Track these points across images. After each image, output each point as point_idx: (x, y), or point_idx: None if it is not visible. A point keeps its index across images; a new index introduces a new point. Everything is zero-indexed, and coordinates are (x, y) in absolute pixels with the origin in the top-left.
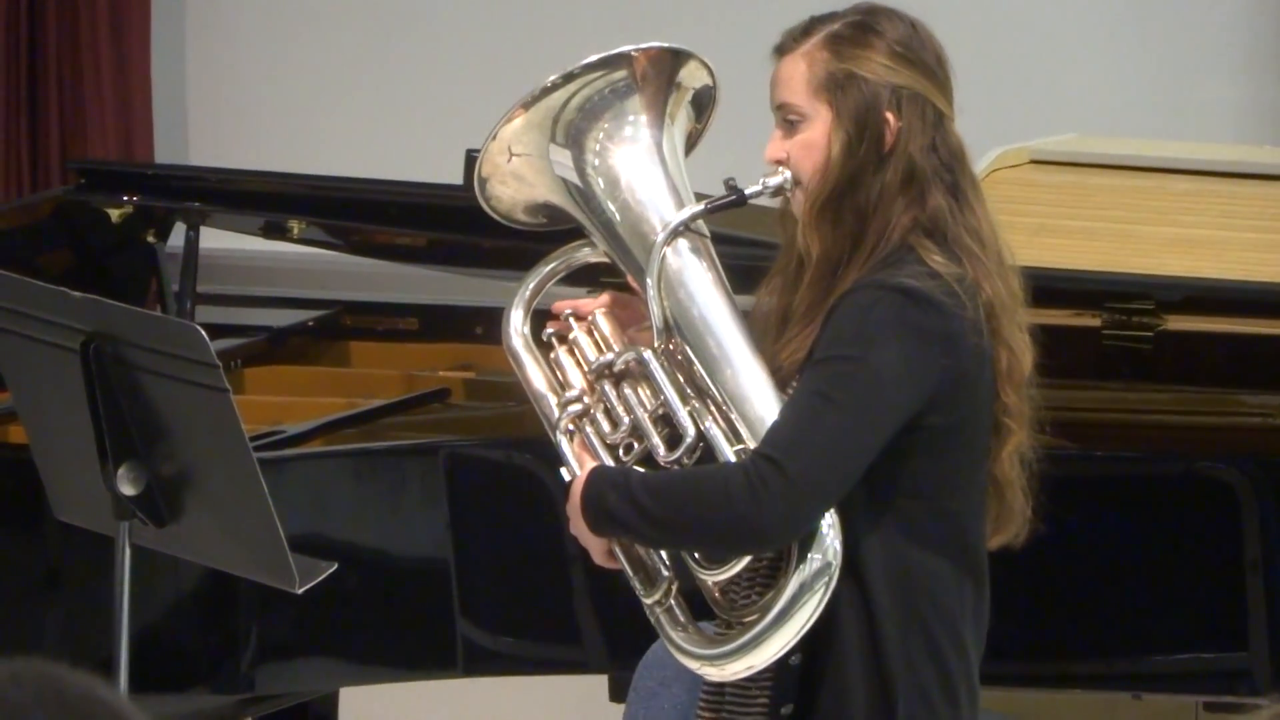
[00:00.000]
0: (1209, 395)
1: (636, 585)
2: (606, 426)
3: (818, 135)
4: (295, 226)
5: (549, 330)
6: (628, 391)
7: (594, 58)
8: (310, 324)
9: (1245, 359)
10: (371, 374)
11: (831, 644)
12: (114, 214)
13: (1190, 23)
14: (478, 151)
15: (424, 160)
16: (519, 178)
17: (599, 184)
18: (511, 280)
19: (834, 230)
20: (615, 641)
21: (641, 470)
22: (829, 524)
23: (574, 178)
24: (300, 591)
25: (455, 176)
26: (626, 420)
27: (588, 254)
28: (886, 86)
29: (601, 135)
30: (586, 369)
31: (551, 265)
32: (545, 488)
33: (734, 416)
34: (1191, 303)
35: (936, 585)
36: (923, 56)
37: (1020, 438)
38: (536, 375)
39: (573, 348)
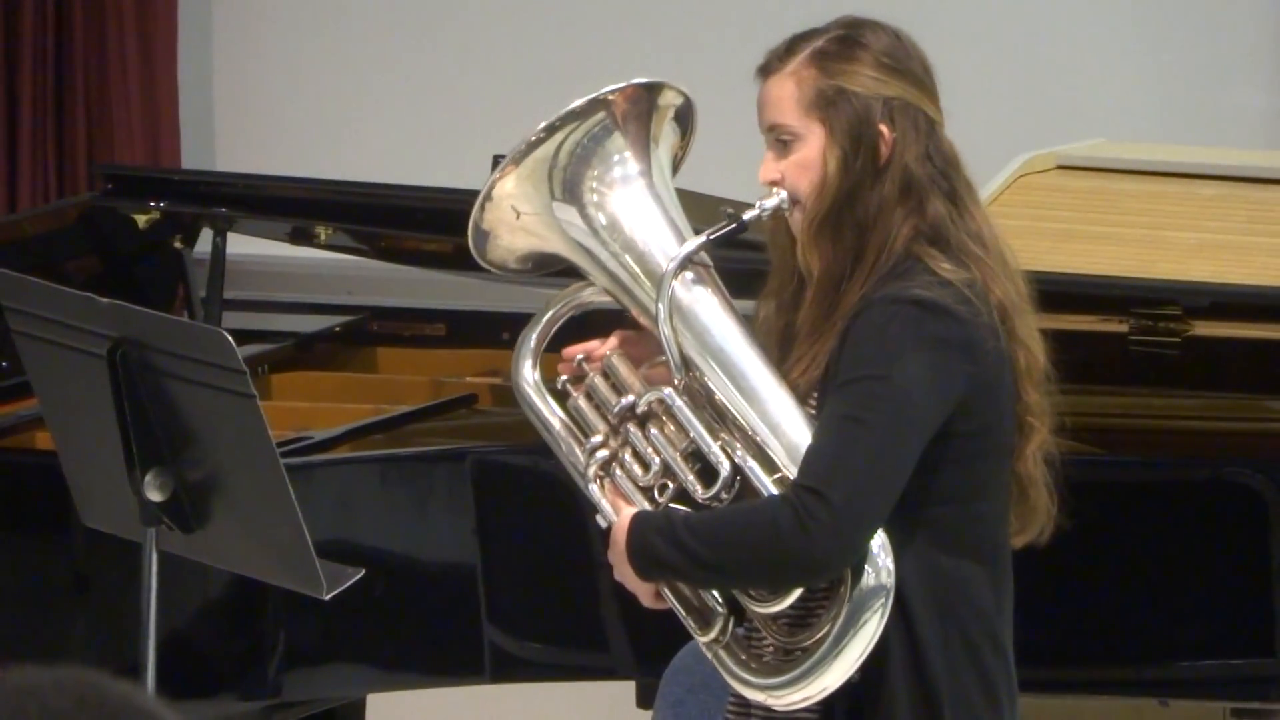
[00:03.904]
0: (1236, 401)
1: (691, 625)
2: (637, 470)
3: (812, 154)
4: (322, 232)
5: (562, 377)
6: (654, 432)
7: (572, 105)
8: (337, 329)
9: (1272, 364)
10: (398, 380)
11: (875, 658)
12: (141, 220)
13: (1217, 28)
14: (504, 157)
15: (451, 165)
16: (527, 231)
17: (602, 230)
18: (538, 286)
19: (834, 247)
20: (643, 647)
21: (684, 511)
22: (879, 544)
23: (580, 231)
24: (327, 597)
25: (483, 182)
26: (657, 461)
27: (590, 295)
28: (877, 99)
29: (595, 183)
30: (607, 413)
31: (554, 310)
32: (572, 494)
33: (767, 445)
34: (1218, 308)
35: (972, 589)
36: (910, 65)
37: (1044, 434)
38: (555, 423)
39: (590, 392)
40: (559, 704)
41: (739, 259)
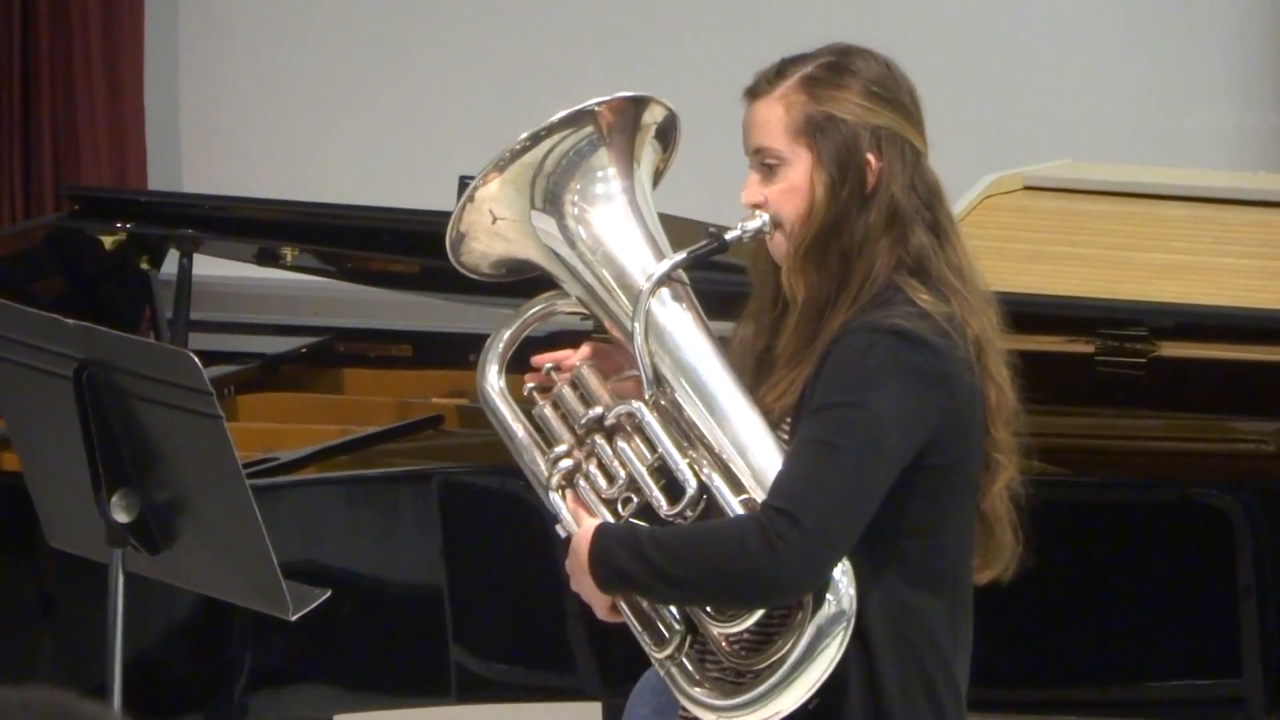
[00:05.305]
0: (1202, 421)
1: (646, 641)
2: (602, 481)
3: (799, 179)
4: (289, 253)
5: (529, 385)
6: (621, 445)
7: (559, 116)
8: (304, 351)
9: (1239, 385)
10: (365, 401)
11: (833, 686)
12: (107, 241)
13: (1184, 49)
14: (471, 178)
15: (417, 187)
16: (502, 237)
17: (581, 243)
18: (505, 307)
19: (819, 273)
20: (609, 669)
21: (648, 526)
22: (842, 570)
23: (556, 240)
24: (294, 618)
25: (449, 203)
26: (622, 475)
27: (561, 305)
28: (866, 127)
29: (577, 196)
30: (574, 423)
31: (524, 317)
32: (538, 515)
33: (734, 466)
34: (1185, 329)
35: (931, 621)
36: (898, 96)
37: (1011, 472)
38: (518, 430)
39: (557, 402)
40: None
41: (719, 280)
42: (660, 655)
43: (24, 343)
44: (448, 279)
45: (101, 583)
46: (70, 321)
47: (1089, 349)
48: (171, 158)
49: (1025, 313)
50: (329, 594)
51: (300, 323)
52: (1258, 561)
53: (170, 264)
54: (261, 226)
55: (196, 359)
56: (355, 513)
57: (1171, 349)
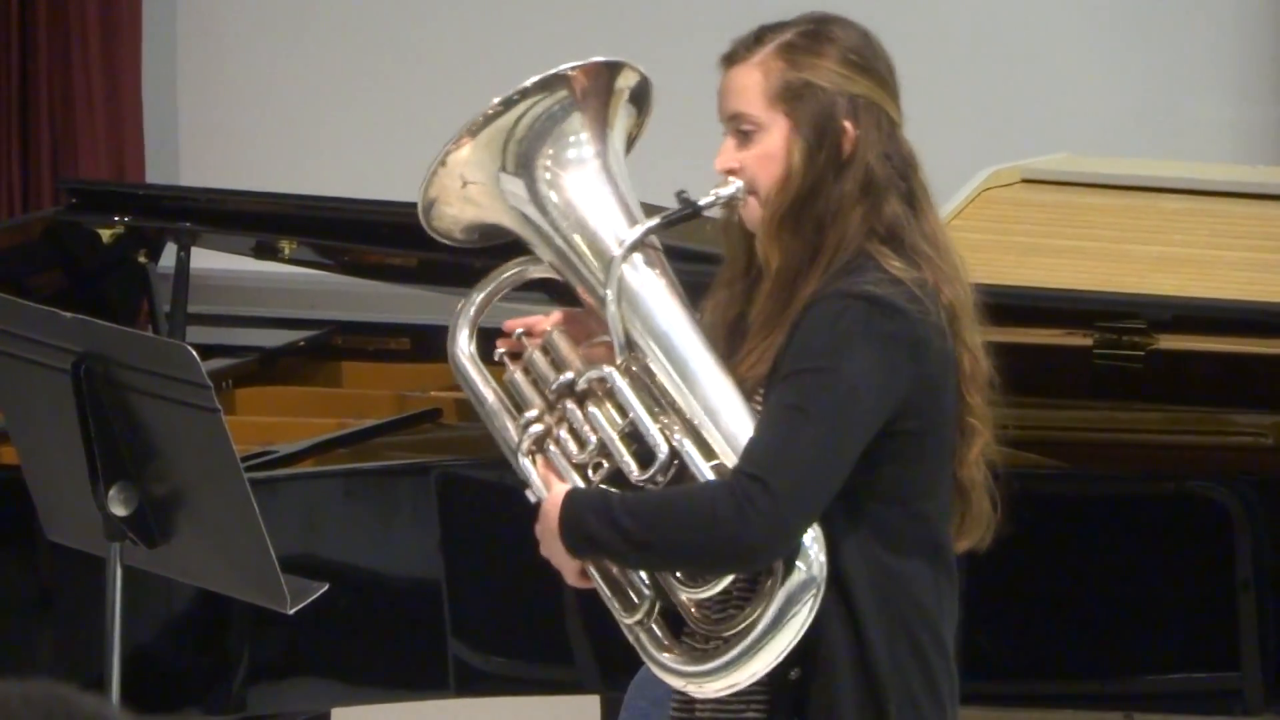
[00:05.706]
0: (1200, 414)
1: (615, 606)
2: (573, 446)
3: (775, 145)
4: (287, 247)
5: (500, 350)
6: (593, 410)
7: (533, 80)
8: (302, 344)
9: (1236, 378)
10: (363, 394)
11: (821, 655)
12: (105, 234)
13: (1182, 43)
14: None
15: (415, 180)
16: (472, 201)
17: (552, 208)
18: (503, 301)
19: (794, 240)
20: (607, 662)
21: (619, 491)
22: (812, 537)
23: (527, 204)
24: (292, 612)
25: None
26: (594, 440)
27: (532, 270)
28: (843, 95)
29: (549, 160)
30: (545, 389)
31: (496, 282)
32: (537, 508)
33: (706, 432)
34: (1183, 322)
35: (916, 587)
36: (875, 65)
37: (986, 438)
38: (488, 395)
39: (528, 367)
40: (524, 718)
41: (693, 271)
42: (629, 621)
43: (22, 336)
44: (446, 272)
45: (100, 576)
46: (68, 315)
47: (1087, 342)
48: (169, 151)
49: (1023, 306)
50: (327, 587)
51: (298, 316)
52: (1256, 554)
53: (168, 257)
54: (259, 220)
55: (194, 352)
56: (353, 506)
57: (1169, 342)
